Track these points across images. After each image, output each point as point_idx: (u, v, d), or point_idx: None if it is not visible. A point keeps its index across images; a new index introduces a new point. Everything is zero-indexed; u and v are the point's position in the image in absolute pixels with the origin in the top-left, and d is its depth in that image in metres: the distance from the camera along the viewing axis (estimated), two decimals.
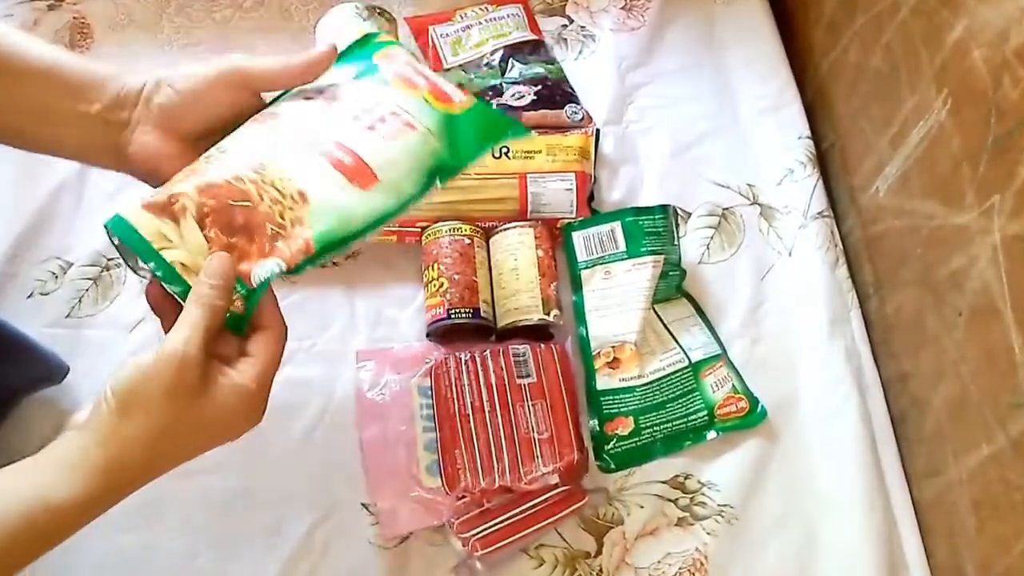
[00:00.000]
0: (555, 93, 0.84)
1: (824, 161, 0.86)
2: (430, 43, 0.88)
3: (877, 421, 0.71)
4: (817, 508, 0.67)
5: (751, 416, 0.69)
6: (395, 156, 0.52)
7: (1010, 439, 0.56)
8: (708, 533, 0.66)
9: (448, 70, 0.86)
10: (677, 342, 0.72)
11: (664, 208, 0.75)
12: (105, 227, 0.50)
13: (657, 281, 0.72)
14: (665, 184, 0.82)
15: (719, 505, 0.67)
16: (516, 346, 0.70)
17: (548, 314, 0.71)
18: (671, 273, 0.74)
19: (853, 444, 0.69)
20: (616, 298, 0.72)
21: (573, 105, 0.83)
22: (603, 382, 0.70)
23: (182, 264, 0.49)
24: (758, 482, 0.68)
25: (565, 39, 0.91)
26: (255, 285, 0.50)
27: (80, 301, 0.74)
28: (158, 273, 0.49)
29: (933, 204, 0.66)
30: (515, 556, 0.65)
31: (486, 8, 0.90)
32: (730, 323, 0.75)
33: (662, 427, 0.69)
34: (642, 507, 0.67)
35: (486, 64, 0.86)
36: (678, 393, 0.70)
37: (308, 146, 0.52)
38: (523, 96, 0.82)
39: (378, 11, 0.84)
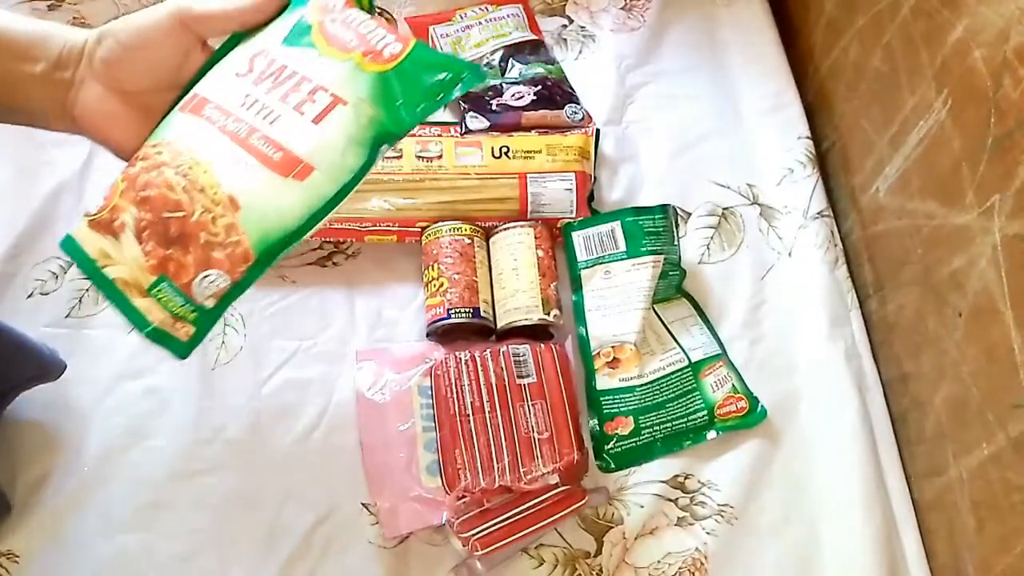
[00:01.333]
0: (555, 93, 0.84)
1: (824, 161, 0.86)
2: (430, 43, 0.88)
3: (877, 421, 0.71)
4: (817, 508, 0.67)
5: (751, 416, 0.69)
6: (328, 138, 0.50)
7: (1010, 439, 0.56)
8: (708, 533, 0.66)
9: None
10: (677, 342, 0.72)
11: (664, 208, 0.75)
12: (60, 247, 0.51)
13: (657, 281, 0.72)
14: (665, 184, 0.82)
15: (719, 505, 0.67)
16: (516, 346, 0.70)
17: (548, 314, 0.71)
18: (671, 273, 0.74)
19: (853, 444, 0.69)
20: (616, 298, 0.72)
21: (573, 105, 0.83)
22: (603, 382, 0.70)
23: (123, 280, 0.50)
24: (758, 482, 0.68)
25: (565, 39, 0.91)
26: (200, 300, 0.49)
27: (80, 301, 0.74)
28: (100, 290, 0.50)
29: (933, 204, 0.66)
30: (515, 556, 0.65)
31: (486, 8, 0.90)
32: (730, 323, 0.75)
33: (662, 427, 0.69)
34: (642, 507, 0.67)
35: (486, 64, 0.86)
36: (678, 393, 0.70)
37: (236, 143, 0.50)
38: (523, 96, 0.82)
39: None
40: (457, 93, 0.51)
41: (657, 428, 0.69)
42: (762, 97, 0.88)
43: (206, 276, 0.49)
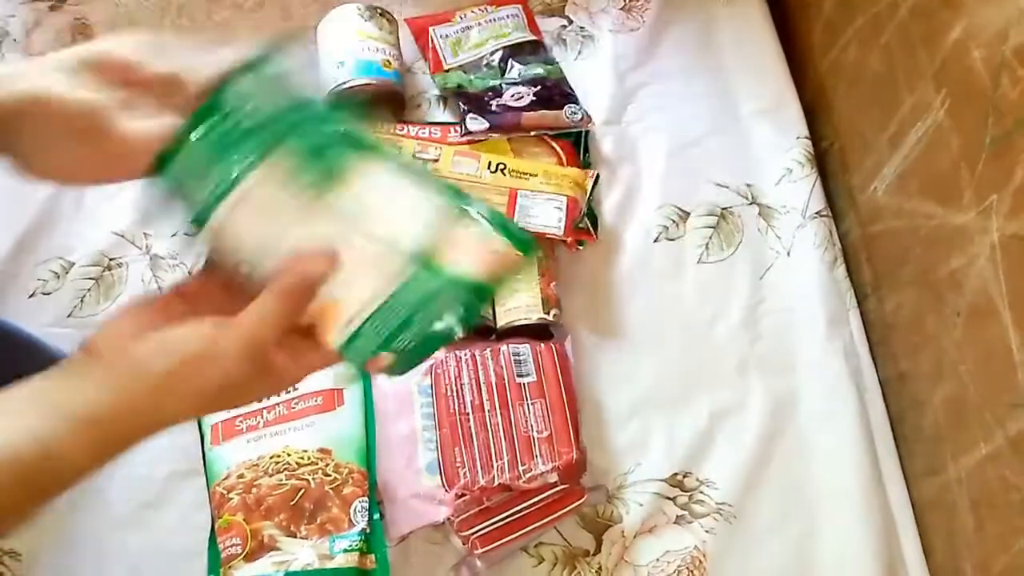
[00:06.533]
0: (554, 93, 0.84)
1: (823, 161, 0.86)
2: (430, 44, 0.88)
3: (876, 420, 0.72)
4: (815, 507, 0.67)
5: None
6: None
7: (1008, 439, 0.56)
8: (707, 531, 0.66)
9: (448, 71, 0.86)
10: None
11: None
12: None
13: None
14: (664, 184, 0.82)
15: (718, 503, 0.67)
16: (516, 345, 0.70)
17: (548, 313, 0.71)
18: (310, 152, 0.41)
19: (851, 443, 0.69)
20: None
21: (572, 105, 0.83)
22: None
23: (309, 563, 0.59)
24: (757, 480, 0.68)
25: (564, 40, 0.92)
26: (361, 527, 0.61)
27: (82, 301, 0.74)
28: None
29: (931, 204, 0.66)
30: (515, 554, 0.65)
31: (486, 9, 0.90)
32: (729, 322, 0.76)
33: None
34: (641, 505, 0.67)
35: (486, 65, 0.86)
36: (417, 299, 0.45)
37: (289, 420, 0.66)
38: (522, 96, 0.83)
39: (379, 12, 0.84)
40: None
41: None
42: (761, 97, 0.88)
43: (354, 510, 0.61)
